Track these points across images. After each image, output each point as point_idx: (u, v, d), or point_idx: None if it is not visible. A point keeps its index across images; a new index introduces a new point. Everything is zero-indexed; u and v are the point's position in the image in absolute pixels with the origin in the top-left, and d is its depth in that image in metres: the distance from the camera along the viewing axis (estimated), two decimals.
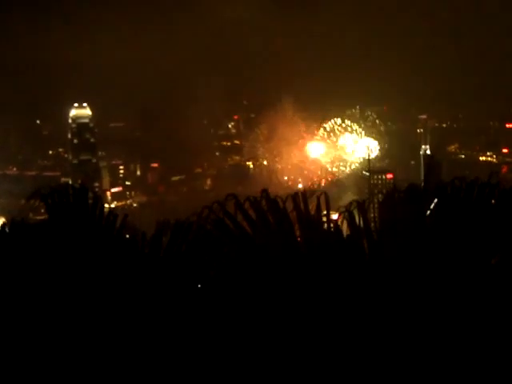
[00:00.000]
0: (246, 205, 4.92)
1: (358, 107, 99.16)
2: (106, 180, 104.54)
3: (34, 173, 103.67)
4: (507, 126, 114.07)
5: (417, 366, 4.19)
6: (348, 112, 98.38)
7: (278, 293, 4.48)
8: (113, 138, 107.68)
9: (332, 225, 4.78)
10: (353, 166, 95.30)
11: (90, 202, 5.35)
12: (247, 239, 4.84)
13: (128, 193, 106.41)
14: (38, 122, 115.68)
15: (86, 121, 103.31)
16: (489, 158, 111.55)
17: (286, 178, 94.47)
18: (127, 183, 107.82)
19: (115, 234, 5.13)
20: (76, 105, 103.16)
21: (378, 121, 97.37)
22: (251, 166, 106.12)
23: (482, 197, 4.80)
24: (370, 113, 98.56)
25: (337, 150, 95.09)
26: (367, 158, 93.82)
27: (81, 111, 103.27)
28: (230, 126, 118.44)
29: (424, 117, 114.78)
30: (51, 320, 4.56)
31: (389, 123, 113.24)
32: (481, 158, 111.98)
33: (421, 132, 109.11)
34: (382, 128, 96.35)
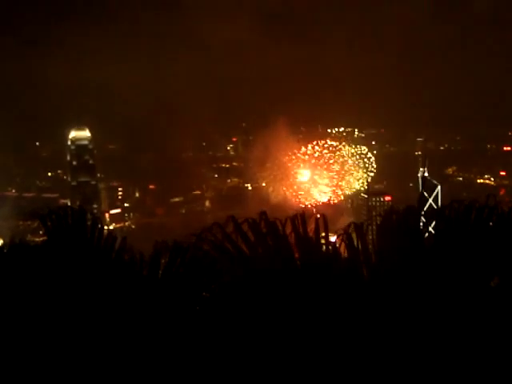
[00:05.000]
0: (245, 227, 4.93)
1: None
2: (105, 202, 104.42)
3: (32, 194, 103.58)
4: (505, 148, 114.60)
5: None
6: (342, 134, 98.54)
7: (275, 315, 4.47)
8: (112, 160, 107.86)
9: (330, 247, 4.79)
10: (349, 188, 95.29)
11: (89, 223, 5.35)
12: (246, 261, 4.84)
13: (126, 214, 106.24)
14: (37, 143, 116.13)
15: (85, 143, 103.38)
16: (486, 181, 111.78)
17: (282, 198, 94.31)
18: (126, 205, 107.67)
19: (114, 256, 5.12)
20: (75, 127, 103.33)
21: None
22: (250, 187, 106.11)
23: (480, 219, 4.80)
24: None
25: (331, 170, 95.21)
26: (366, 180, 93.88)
27: (80, 133, 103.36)
28: (228, 148, 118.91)
29: (422, 139, 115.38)
30: (51, 340, 4.54)
31: (387, 145, 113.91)
32: (478, 181, 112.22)
33: (419, 154, 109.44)
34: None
